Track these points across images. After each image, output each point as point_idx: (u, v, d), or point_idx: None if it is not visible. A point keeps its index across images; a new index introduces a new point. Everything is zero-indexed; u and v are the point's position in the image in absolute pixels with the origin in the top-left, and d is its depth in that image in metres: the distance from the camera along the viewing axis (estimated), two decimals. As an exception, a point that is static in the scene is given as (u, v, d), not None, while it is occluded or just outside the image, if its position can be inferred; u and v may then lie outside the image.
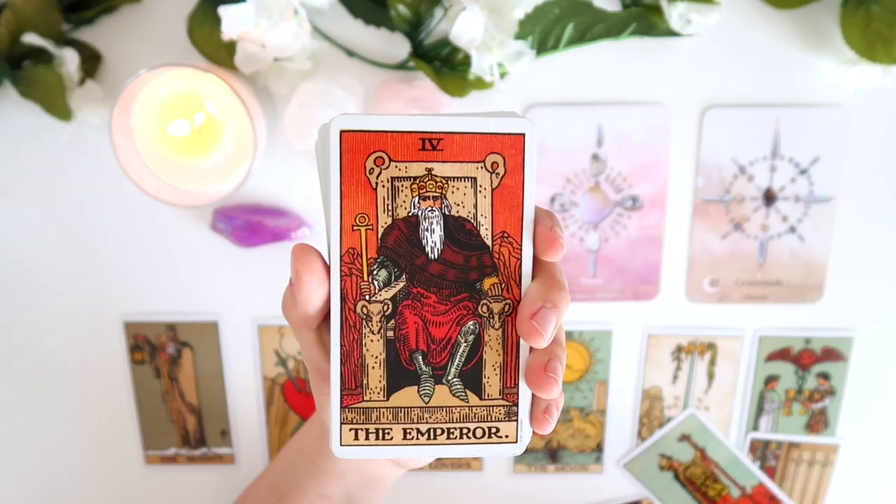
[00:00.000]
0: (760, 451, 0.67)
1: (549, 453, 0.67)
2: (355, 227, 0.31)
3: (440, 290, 0.33)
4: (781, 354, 0.64)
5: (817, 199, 0.60)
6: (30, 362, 0.65)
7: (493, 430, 0.34)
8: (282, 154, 0.58)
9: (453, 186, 0.32)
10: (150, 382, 0.65)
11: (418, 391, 0.33)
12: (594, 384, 0.65)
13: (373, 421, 0.33)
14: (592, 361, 0.65)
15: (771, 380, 0.65)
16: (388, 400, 0.33)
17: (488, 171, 0.32)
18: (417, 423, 0.34)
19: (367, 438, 0.33)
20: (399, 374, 0.33)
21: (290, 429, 0.67)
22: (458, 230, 0.32)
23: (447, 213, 0.32)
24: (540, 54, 0.55)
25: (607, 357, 0.64)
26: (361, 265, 0.32)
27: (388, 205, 0.31)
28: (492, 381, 0.34)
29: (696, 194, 0.60)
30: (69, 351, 0.64)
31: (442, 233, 0.32)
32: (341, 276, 0.32)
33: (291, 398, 0.66)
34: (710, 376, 0.65)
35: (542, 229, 0.32)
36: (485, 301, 0.33)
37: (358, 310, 0.32)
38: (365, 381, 0.33)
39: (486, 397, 0.34)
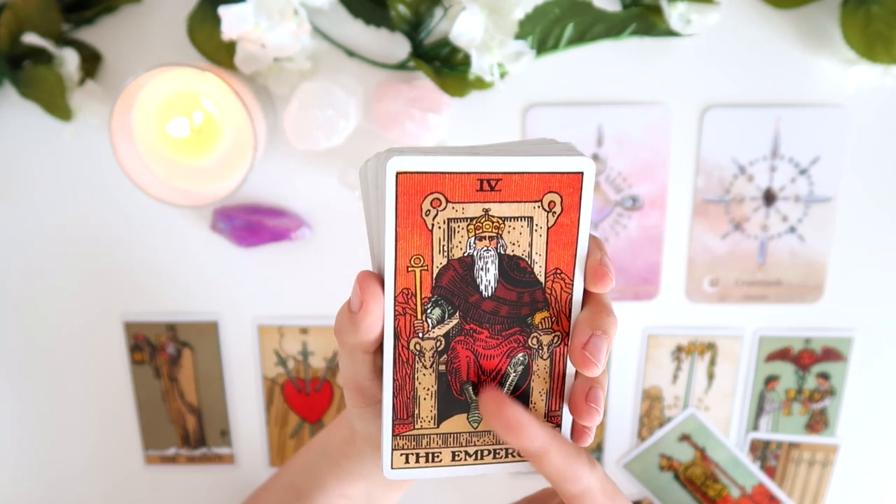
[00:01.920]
0: (760, 451, 0.67)
1: (549, 453, 0.67)
2: (410, 269, 0.31)
3: (492, 326, 0.33)
4: (781, 354, 0.64)
5: (817, 199, 0.60)
6: (30, 362, 0.65)
7: None
8: (282, 154, 0.58)
9: (509, 226, 0.31)
10: (150, 382, 0.65)
11: (468, 418, 0.34)
12: (594, 384, 0.65)
13: (423, 446, 0.34)
14: (592, 361, 0.64)
15: (771, 380, 0.65)
16: (438, 427, 0.34)
17: (545, 210, 0.31)
18: (466, 446, 0.35)
19: (417, 462, 0.34)
20: (449, 404, 0.34)
21: (289, 429, 0.67)
22: (513, 268, 0.32)
23: (502, 252, 0.32)
24: (540, 54, 0.55)
25: (607, 357, 0.64)
26: (415, 305, 0.32)
27: (443, 246, 0.31)
28: (538, 405, 0.35)
29: (696, 194, 0.60)
30: (69, 351, 0.64)
31: (497, 272, 0.32)
32: (395, 315, 0.32)
33: (291, 398, 0.66)
34: (710, 376, 0.65)
35: (592, 263, 0.32)
36: (535, 334, 0.33)
37: (411, 347, 0.32)
38: (416, 412, 0.34)
39: None
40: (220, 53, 0.54)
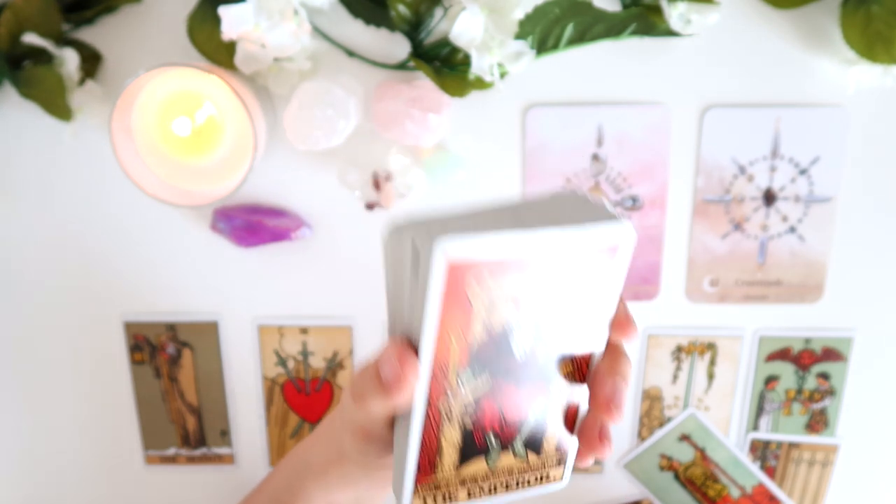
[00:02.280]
0: (760, 451, 0.67)
1: (549, 453, 0.67)
2: (449, 342, 0.31)
3: (519, 381, 0.33)
4: (781, 354, 0.64)
5: (817, 199, 0.60)
6: (30, 362, 0.65)
7: (545, 476, 0.37)
8: (282, 154, 0.58)
9: (548, 296, 0.32)
10: (150, 382, 0.65)
11: (486, 460, 0.35)
12: (594, 384, 0.65)
13: (441, 488, 0.35)
14: (592, 361, 0.64)
15: (771, 380, 0.65)
16: (458, 471, 0.35)
17: (584, 279, 0.32)
18: (481, 482, 0.36)
19: (434, 501, 0.35)
20: (471, 451, 0.35)
21: (290, 429, 0.67)
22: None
23: (539, 320, 0.32)
24: (540, 54, 0.55)
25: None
26: (449, 373, 0.32)
27: (484, 320, 0.31)
28: (551, 441, 0.36)
29: (696, 194, 0.60)
30: (69, 351, 0.64)
31: (532, 340, 0.32)
32: (430, 383, 0.32)
33: (291, 398, 0.66)
34: (710, 376, 0.65)
35: (619, 315, 0.33)
36: (556, 381, 0.34)
37: (441, 408, 0.33)
38: (438, 462, 0.34)
39: (544, 454, 0.36)
40: (220, 53, 0.54)
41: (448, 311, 0.30)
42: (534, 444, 0.36)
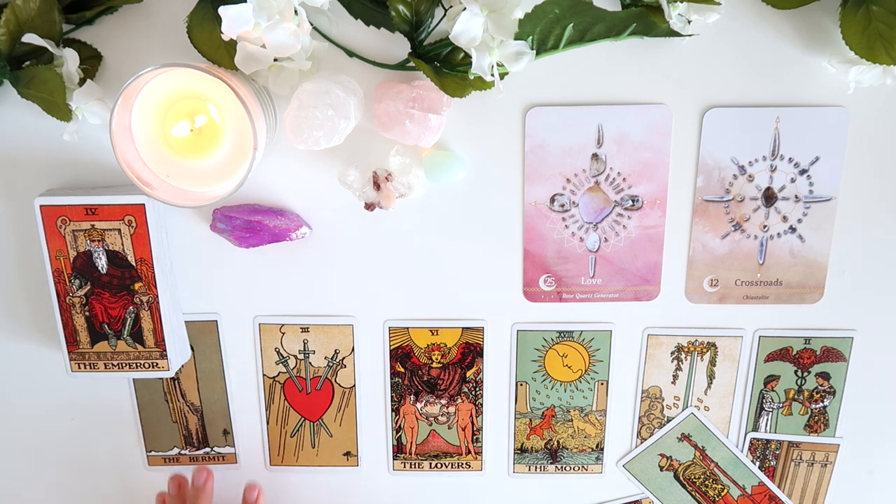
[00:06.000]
0: (760, 451, 0.67)
1: (549, 453, 0.68)
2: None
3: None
4: (781, 354, 0.64)
5: (817, 199, 0.60)
6: (30, 363, 0.65)
7: (153, 364, 0.60)
8: (282, 154, 0.58)
9: None
10: (151, 382, 0.65)
11: (108, 343, 0.58)
12: (594, 384, 0.65)
13: (85, 359, 0.59)
14: (592, 361, 0.65)
15: (771, 380, 0.65)
16: (92, 348, 0.59)
17: None
18: (111, 359, 0.60)
19: (79, 367, 0.60)
20: (96, 335, 0.58)
21: (290, 427, 0.67)
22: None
23: None
24: (540, 54, 0.55)
25: (607, 357, 0.64)
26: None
27: None
28: (149, 338, 0.59)
29: (696, 194, 0.60)
30: (70, 350, 0.64)
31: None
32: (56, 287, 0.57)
33: (292, 397, 0.66)
34: (710, 376, 0.65)
35: None
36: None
37: (68, 302, 0.58)
38: (77, 339, 0.59)
39: (147, 346, 0.57)
40: (220, 53, 0.53)
41: None
42: (138, 338, 0.58)
